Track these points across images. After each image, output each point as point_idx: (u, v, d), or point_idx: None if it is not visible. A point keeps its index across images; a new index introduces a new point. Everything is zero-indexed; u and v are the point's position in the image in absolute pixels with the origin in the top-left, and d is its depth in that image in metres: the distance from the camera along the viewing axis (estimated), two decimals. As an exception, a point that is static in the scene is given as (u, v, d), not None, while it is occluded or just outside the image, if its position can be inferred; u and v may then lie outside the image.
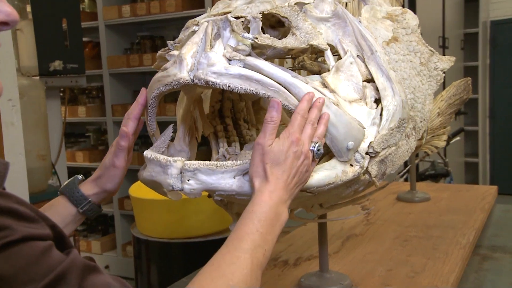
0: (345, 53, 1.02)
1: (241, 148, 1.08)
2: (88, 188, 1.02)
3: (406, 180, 2.45)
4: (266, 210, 0.78)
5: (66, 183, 1.04)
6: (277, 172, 0.81)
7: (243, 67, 0.88)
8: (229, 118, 1.16)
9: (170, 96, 3.69)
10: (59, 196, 1.03)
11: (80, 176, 1.06)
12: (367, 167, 0.99)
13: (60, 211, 1.01)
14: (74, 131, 4.62)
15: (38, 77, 2.81)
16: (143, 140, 4.00)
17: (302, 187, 0.86)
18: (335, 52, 1.05)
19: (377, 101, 1.02)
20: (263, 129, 0.83)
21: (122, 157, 1.00)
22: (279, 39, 0.95)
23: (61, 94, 3.48)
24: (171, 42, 0.98)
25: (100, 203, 1.04)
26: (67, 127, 4.17)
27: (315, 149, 0.87)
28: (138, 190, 2.27)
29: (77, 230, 4.07)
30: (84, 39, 3.94)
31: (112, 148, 1.02)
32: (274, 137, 0.84)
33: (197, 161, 0.88)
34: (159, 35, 4.10)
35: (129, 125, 1.01)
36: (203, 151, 1.13)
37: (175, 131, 1.09)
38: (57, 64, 2.86)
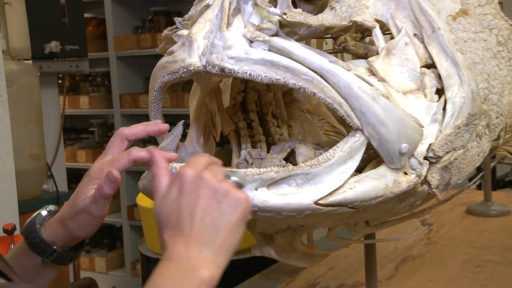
0: (399, 31, 1.01)
1: (268, 150, 1.07)
2: (53, 231, 0.94)
3: (479, 188, 2.38)
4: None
5: (27, 221, 0.97)
6: (170, 230, 0.75)
7: (268, 50, 0.86)
8: (254, 113, 1.16)
9: (190, 84, 3.71)
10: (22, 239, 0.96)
11: (45, 211, 0.98)
12: (425, 176, 0.97)
13: (24, 261, 0.95)
14: (75, 126, 4.70)
15: (30, 61, 2.85)
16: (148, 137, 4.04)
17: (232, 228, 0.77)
18: (385, 30, 1.03)
19: (440, 91, 1.00)
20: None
21: (103, 205, 0.91)
22: (315, 14, 0.94)
23: (59, 81, 3.53)
24: (179, 19, 0.97)
25: (72, 247, 0.96)
26: (67, 121, 4.24)
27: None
28: (147, 198, 2.28)
29: (77, 244, 4.13)
30: (86, 15, 3.98)
31: (88, 183, 0.93)
32: (163, 191, 0.79)
33: None
34: (176, 10, 4.13)
35: (124, 159, 0.92)
36: (221, 153, 1.11)
37: (187, 128, 1.08)
38: (53, 46, 2.90)
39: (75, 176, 4.66)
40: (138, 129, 0.96)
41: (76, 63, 3.08)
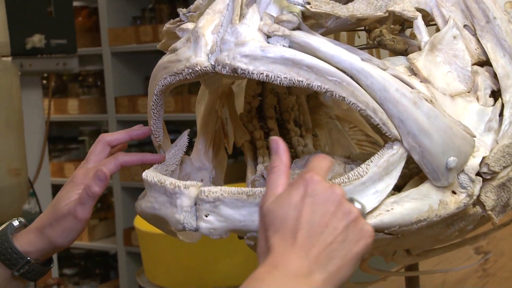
0: (446, 22, 1.01)
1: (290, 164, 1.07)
2: (29, 240, 1.02)
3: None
4: None
5: None
6: (283, 236, 0.78)
7: (289, 46, 0.87)
8: (272, 120, 1.16)
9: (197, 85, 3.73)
10: None
11: (16, 222, 1.05)
12: (478, 195, 0.97)
13: None
14: (62, 134, 4.74)
15: (9, 58, 2.87)
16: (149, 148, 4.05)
17: (351, 262, 0.80)
18: (430, 20, 1.03)
19: (495, 94, 1.01)
20: (266, 183, 0.82)
21: (89, 207, 1.00)
22: (344, 3, 0.95)
23: (44, 82, 3.56)
24: (184, 10, 0.98)
25: (44, 260, 1.04)
26: (52, 129, 4.27)
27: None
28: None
29: (64, 275, 4.17)
30: (76, 3, 4.02)
31: (72, 188, 1.02)
32: (281, 190, 0.81)
33: (219, 188, 0.87)
34: (182, -3, 4.16)
35: (111, 163, 1.02)
36: (233, 167, 1.12)
37: (194, 137, 1.09)
38: (37, 40, 2.93)
39: (62, 194, 4.69)
40: (120, 134, 1.06)
41: (63, 61, 3.10)
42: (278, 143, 0.84)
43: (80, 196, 0.99)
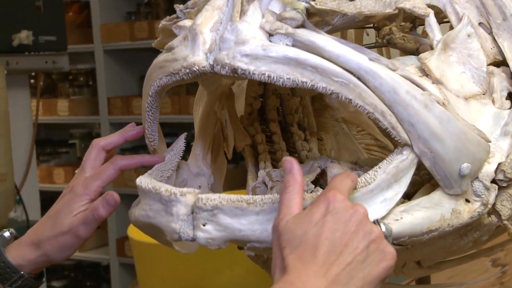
0: (459, 19, 1.01)
1: (293, 171, 1.07)
2: (23, 254, 1.02)
3: None
4: None
5: None
6: (301, 254, 0.79)
7: (292, 45, 0.87)
8: (275, 123, 1.16)
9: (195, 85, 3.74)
10: None
11: (7, 233, 1.05)
12: (494, 204, 0.97)
13: None
14: (51, 137, 4.74)
15: (-5, 56, 2.88)
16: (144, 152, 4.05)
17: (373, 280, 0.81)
18: (442, 18, 1.04)
19: None
20: (280, 202, 0.84)
21: (92, 228, 1.01)
22: (351, 0, 0.95)
23: (32, 81, 3.57)
24: (181, 6, 0.98)
25: (37, 273, 1.05)
26: (41, 131, 4.28)
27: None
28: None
29: (53, 287, 4.16)
30: (66, -3, 4.03)
31: (73, 201, 1.02)
32: (296, 210, 0.83)
33: (217, 195, 0.87)
34: (179, -10, 4.17)
35: (109, 170, 1.04)
36: (234, 172, 1.12)
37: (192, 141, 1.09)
38: (24, 36, 2.93)
39: (51, 201, 4.64)
40: (115, 137, 1.07)
41: (52, 58, 3.10)
42: (292, 164, 0.86)
43: (85, 216, 1.00)
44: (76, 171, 1.06)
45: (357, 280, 0.79)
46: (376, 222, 0.86)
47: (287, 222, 0.81)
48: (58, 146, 4.66)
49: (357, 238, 0.80)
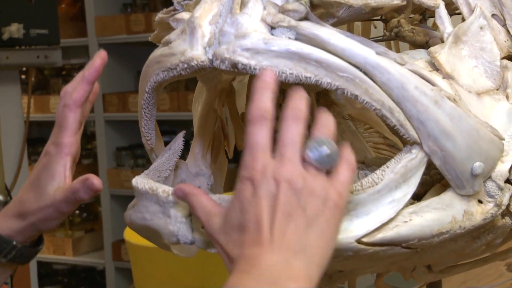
0: (472, 11, 1.02)
1: (297, 171, 1.07)
2: (9, 224, 1.03)
3: None
4: None
5: None
6: (245, 240, 0.79)
7: (295, 39, 0.87)
8: (278, 121, 1.16)
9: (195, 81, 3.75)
10: None
11: None
12: (508, 205, 0.97)
13: None
14: (43, 136, 4.74)
15: (-16, 51, 2.88)
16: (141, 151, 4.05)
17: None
18: (454, 9, 1.04)
19: None
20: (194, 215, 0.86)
21: (74, 205, 1.01)
22: (358, -10, 0.95)
23: (23, 77, 3.57)
24: (178, -2, 0.98)
25: (32, 241, 1.05)
26: (32, 129, 4.28)
27: (315, 152, 0.81)
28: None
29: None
30: (59, -11, 4.04)
31: (52, 161, 1.01)
32: (214, 208, 0.84)
33: (217, 196, 0.88)
34: (178, -19, 4.17)
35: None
36: (235, 172, 1.13)
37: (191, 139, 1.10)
38: (14, 29, 2.93)
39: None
40: (81, 87, 1.01)
41: (44, 53, 3.09)
42: (183, 190, 0.87)
43: (66, 195, 0.99)
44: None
45: (312, 237, 0.79)
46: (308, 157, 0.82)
47: (215, 224, 0.82)
48: (50, 145, 4.66)
49: (289, 203, 0.79)
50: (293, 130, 0.83)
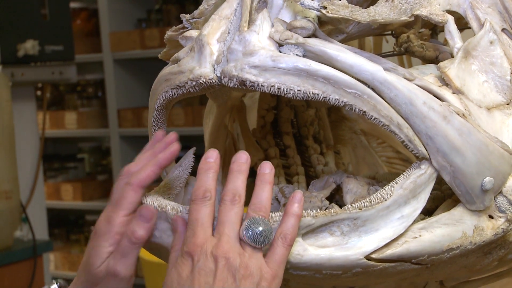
0: (481, 25, 1.02)
1: (308, 186, 1.08)
2: None
3: None
4: None
5: None
6: None
7: (303, 56, 0.88)
8: (289, 136, 1.17)
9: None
10: None
11: (56, 285, 1.04)
12: (520, 220, 0.97)
13: None
14: (58, 152, 4.76)
15: (-1, 68, 2.89)
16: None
17: None
18: (464, 24, 1.04)
19: None
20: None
21: (132, 259, 0.92)
22: (366, 6, 0.95)
23: (38, 93, 3.59)
24: (187, 16, 0.99)
25: None
26: (48, 146, 4.30)
27: (249, 231, 0.85)
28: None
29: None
30: (73, 5, 4.06)
31: (98, 241, 0.92)
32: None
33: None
34: (192, -3, 4.18)
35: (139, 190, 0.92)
36: (246, 187, 1.14)
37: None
38: (29, 46, 2.94)
39: (59, 219, 4.66)
40: (149, 169, 0.94)
41: (59, 69, 3.10)
42: (177, 223, 0.90)
43: (120, 247, 0.91)
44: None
45: None
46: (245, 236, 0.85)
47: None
48: (66, 161, 4.66)
49: (228, 280, 0.83)
50: (231, 210, 0.87)
